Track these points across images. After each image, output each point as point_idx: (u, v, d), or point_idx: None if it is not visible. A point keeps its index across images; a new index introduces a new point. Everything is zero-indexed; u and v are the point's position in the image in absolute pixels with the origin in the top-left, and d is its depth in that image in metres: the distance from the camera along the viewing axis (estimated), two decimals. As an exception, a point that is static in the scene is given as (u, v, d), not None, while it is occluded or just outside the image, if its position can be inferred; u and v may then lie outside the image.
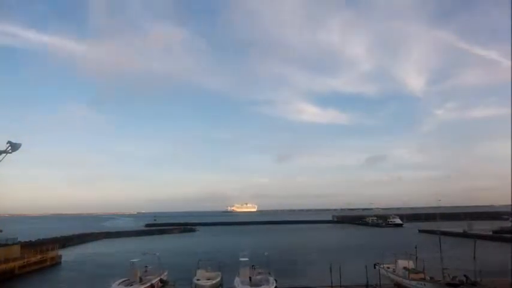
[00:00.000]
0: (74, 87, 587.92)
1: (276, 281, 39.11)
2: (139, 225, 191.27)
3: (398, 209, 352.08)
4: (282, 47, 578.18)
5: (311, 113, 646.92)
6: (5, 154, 57.29)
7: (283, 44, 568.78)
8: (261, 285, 37.33)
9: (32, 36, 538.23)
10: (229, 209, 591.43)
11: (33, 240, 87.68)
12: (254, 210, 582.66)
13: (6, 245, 58.02)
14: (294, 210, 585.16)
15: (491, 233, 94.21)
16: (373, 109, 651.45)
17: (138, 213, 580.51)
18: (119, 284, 38.79)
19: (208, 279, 42.06)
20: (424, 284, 37.03)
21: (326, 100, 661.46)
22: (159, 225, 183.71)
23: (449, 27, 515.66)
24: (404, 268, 42.25)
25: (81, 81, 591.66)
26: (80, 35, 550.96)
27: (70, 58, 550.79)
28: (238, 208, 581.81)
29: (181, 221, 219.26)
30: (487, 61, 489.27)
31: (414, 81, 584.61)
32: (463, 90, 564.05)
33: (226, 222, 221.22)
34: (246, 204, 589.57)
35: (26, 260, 56.32)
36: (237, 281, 39.51)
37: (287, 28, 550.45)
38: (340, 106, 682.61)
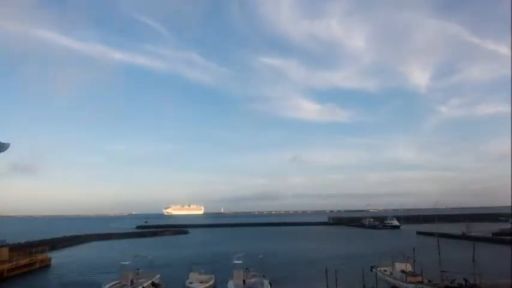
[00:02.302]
0: (65, 84, 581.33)
1: (270, 284, 39.08)
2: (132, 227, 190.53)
3: (395, 210, 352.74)
4: (278, 40, 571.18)
5: (308, 109, 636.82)
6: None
7: (279, 36, 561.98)
8: (255, 289, 37.29)
9: (19, 30, 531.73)
10: (165, 212, 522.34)
11: (22, 242, 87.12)
12: (200, 212, 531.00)
13: (-6, 247, 57.66)
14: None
15: (490, 235, 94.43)
16: (374, 105, 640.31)
17: (129, 214, 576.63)
18: (110, 288, 38.62)
19: (201, 283, 42.04)
20: (422, 287, 37.07)
21: (324, 96, 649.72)
22: (151, 227, 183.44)
23: (455, 18, 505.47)
24: (402, 271, 42.32)
25: (72, 78, 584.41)
26: (70, 28, 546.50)
27: (60, 54, 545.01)
28: (175, 210, 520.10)
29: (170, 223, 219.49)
30: (495, 55, 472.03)
31: (417, 76, 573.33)
32: (469, 86, 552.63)
33: (219, 224, 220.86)
34: (189, 205, 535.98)
35: (14, 263, 55.91)
36: (230, 284, 39.44)
37: (284, 19, 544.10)
38: (339, 102, 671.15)
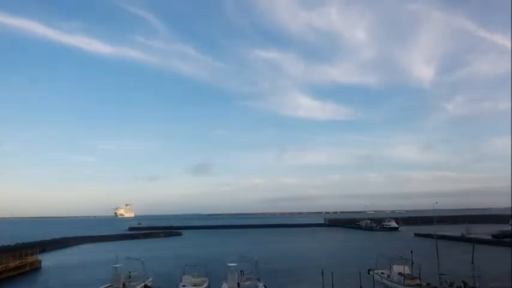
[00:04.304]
0: (54, 80, 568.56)
1: (265, 287, 39.06)
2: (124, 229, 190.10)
3: (393, 211, 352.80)
4: (275, 32, 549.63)
5: (306, 106, 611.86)
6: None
7: (277, 28, 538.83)
8: (250, 292, 37.29)
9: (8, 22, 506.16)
10: (118, 213, 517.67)
11: (12, 244, 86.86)
12: (132, 215, 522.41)
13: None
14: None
15: (490, 237, 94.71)
16: (375, 102, 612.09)
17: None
18: (101, 291, 38.57)
19: (195, 285, 42.00)
20: (420, 290, 37.18)
21: (323, 92, 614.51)
22: (143, 229, 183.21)
23: (463, 10, 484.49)
24: (400, 274, 42.35)
25: (55, 73, 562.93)
26: (52, 18, 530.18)
27: (41, 45, 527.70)
28: (126, 212, 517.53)
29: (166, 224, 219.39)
30: (504, 49, 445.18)
31: (422, 70, 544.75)
32: (476, 82, 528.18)
33: (213, 225, 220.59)
34: (128, 206, 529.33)
35: (4, 266, 55.80)
36: (224, 287, 39.45)
37: (281, 10, 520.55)
38: (338, 98, 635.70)
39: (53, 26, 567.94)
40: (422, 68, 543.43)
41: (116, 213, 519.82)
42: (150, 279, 45.77)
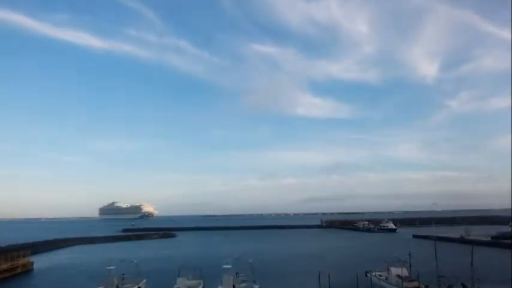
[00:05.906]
0: (42, 76, 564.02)
1: (261, 289, 39.04)
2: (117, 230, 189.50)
3: (391, 212, 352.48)
4: (274, 25, 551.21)
5: (305, 103, 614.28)
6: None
7: (275, 21, 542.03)
8: (245, 294, 37.19)
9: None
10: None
11: (3, 246, 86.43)
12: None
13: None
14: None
15: (489, 238, 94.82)
16: (376, 99, 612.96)
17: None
18: (94, 293, 38.42)
19: None
20: (419, 293, 37.10)
21: (322, 88, 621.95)
22: (137, 230, 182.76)
23: (468, 3, 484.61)
24: (398, 276, 42.26)
25: (41, 68, 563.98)
26: (39, 11, 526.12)
27: (28, 40, 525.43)
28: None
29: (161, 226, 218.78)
30: (509, 43, 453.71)
31: (425, 66, 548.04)
32: (482, 78, 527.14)
33: (208, 227, 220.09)
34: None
35: (-5, 267, 55.58)
36: (219, 289, 39.37)
37: (278, 3, 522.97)
38: (338, 96, 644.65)
39: (40, 19, 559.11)
40: (425, 64, 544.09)
41: (145, 213, 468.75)
42: (144, 281, 45.73)
